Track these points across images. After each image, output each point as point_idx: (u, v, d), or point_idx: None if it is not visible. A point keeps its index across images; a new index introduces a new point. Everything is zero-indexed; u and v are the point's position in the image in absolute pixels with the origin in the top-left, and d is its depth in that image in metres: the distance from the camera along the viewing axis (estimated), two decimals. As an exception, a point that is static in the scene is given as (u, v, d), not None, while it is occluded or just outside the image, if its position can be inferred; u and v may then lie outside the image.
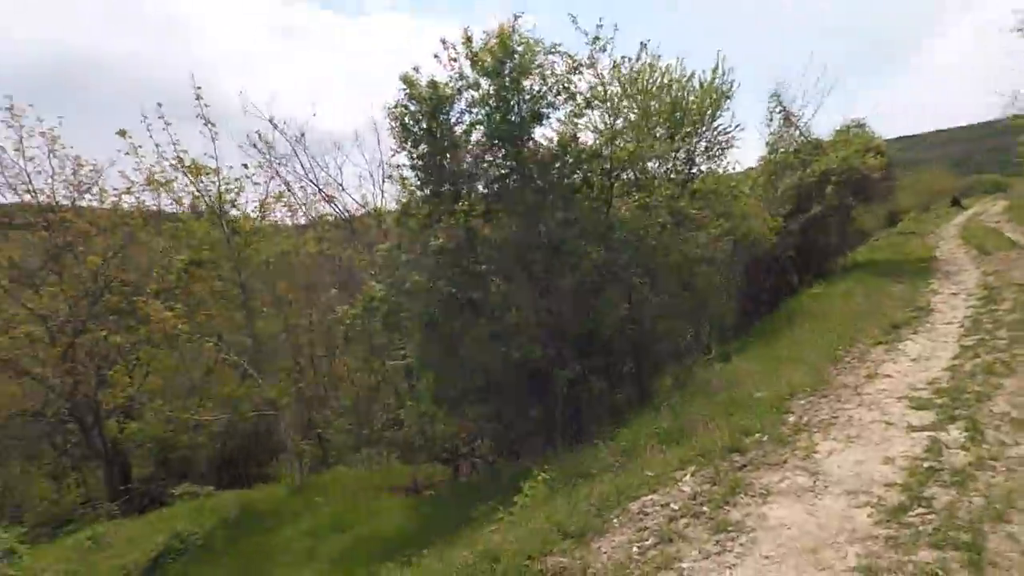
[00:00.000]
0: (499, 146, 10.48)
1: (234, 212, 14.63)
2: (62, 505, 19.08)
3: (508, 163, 10.55)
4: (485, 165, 10.67)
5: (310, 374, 15.43)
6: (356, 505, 13.47)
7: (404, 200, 11.51)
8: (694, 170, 16.35)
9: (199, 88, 13.56)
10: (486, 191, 10.98)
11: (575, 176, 10.99)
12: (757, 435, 5.53)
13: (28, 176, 15.10)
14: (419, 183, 11.03)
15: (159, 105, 13.42)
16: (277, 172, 16.10)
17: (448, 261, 10.16)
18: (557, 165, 10.61)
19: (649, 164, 15.19)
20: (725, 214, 16.01)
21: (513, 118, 10.21)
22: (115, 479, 17.26)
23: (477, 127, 10.42)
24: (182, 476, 20.18)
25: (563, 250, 10.00)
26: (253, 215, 14.86)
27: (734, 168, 17.15)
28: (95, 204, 16.66)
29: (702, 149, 16.21)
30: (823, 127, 20.81)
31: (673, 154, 15.00)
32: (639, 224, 11.00)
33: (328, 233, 16.58)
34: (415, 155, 10.81)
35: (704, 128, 15.79)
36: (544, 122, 10.70)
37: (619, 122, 11.93)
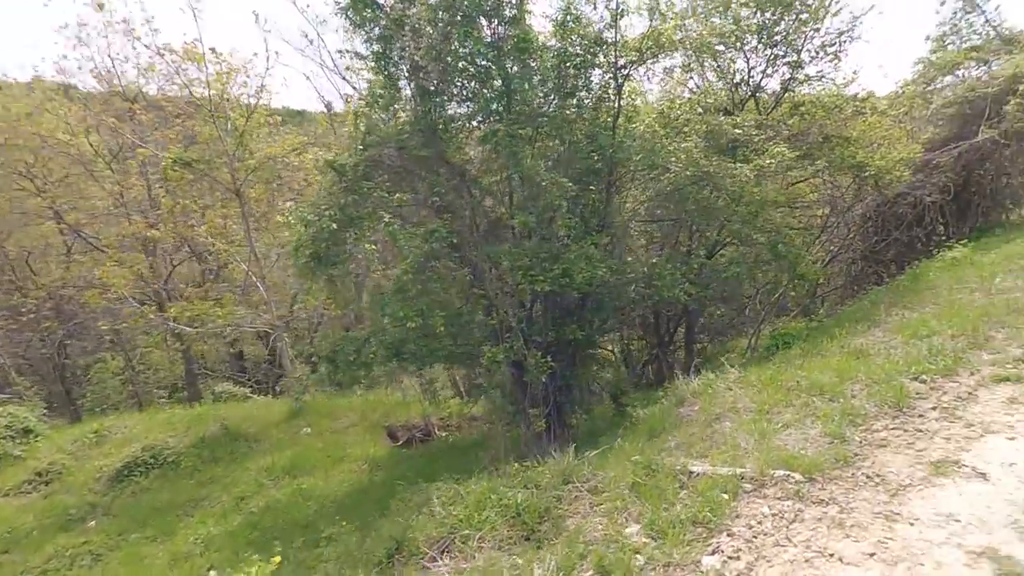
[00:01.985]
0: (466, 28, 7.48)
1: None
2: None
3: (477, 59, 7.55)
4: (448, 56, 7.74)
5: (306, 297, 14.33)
6: (338, 446, 12.53)
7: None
8: (799, 74, 11.83)
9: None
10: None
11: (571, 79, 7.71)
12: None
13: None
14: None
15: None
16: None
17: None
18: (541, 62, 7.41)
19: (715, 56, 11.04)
20: (839, 139, 11.61)
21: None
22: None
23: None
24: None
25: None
26: (251, 102, 13.16)
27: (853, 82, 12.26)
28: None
29: (815, 47, 11.50)
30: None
31: (755, 41, 10.65)
32: (661, 150, 7.62)
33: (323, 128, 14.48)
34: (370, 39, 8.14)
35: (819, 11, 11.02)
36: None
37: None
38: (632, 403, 7.94)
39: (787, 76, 11.88)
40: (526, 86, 7.55)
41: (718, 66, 11.56)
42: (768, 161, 7.95)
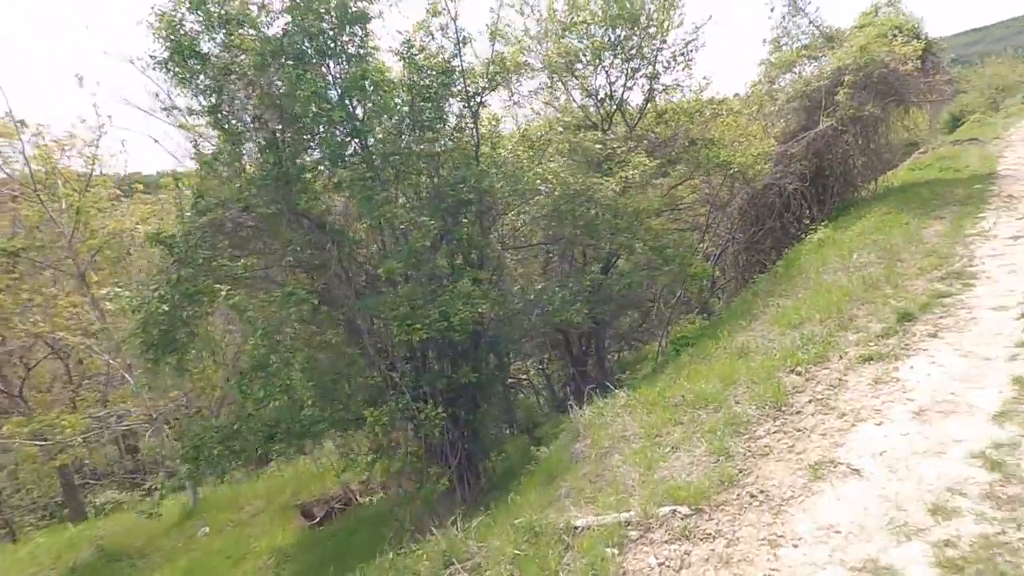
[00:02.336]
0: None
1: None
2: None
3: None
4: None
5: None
6: (241, 542, 11.17)
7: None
8: (657, 85, 12.31)
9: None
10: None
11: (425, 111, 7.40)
12: None
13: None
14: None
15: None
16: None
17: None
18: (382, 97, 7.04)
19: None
20: (704, 141, 12.15)
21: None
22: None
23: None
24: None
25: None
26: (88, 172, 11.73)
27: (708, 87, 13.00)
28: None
29: (666, 57, 12.04)
30: (846, 16, 15.79)
31: (612, 57, 10.99)
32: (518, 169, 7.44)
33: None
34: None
35: (665, 23, 11.56)
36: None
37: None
38: (546, 434, 7.57)
39: (648, 87, 12.34)
40: (376, 125, 7.15)
41: (581, 84, 11.79)
42: (631, 172, 8.02)
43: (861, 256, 8.11)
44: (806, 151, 13.27)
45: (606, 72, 11.83)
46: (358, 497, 12.89)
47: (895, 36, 11.43)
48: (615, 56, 11.35)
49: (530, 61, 10.26)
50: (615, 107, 12.03)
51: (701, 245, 16.96)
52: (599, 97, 12.10)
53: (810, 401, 4.47)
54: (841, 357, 5.15)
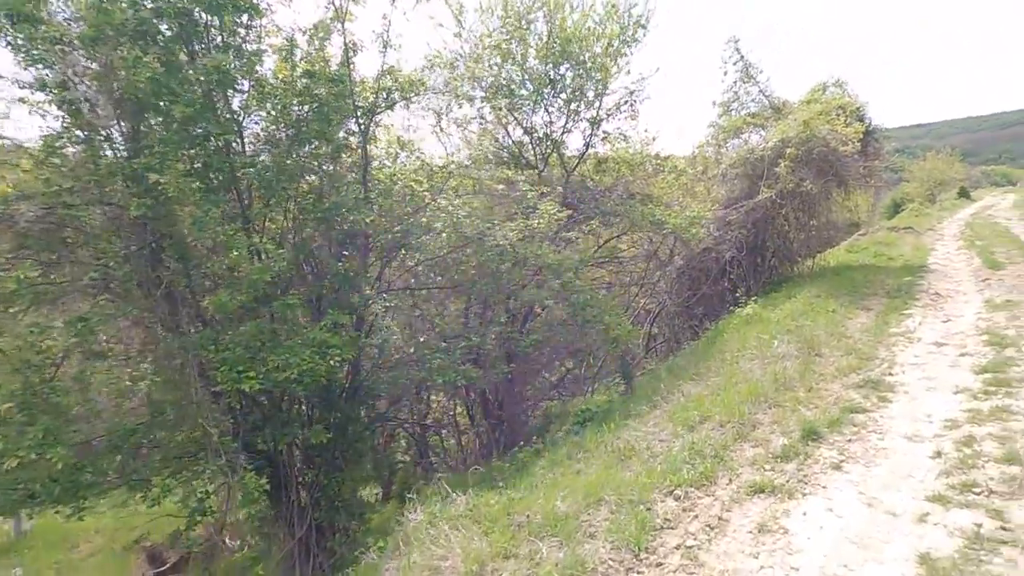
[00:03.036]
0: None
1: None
2: None
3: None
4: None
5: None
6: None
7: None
8: (598, 131, 11.66)
9: None
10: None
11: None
12: None
13: None
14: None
15: None
16: None
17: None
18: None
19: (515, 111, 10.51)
20: (643, 196, 11.51)
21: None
22: None
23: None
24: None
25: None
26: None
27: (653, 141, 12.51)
28: None
29: (609, 104, 11.43)
30: (795, 90, 15.72)
31: (551, 95, 10.26)
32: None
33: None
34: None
35: (612, 68, 10.96)
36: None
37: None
38: (386, 521, 6.36)
39: (589, 132, 11.69)
40: (241, 130, 6.00)
41: (515, 119, 10.99)
42: (537, 222, 7.12)
43: (781, 345, 7.39)
44: (745, 219, 12.83)
45: (546, 109, 11.11)
46: (227, 541, 11.20)
47: (838, 115, 11.18)
48: (555, 94, 10.64)
49: (457, 87, 9.36)
50: (552, 148, 11.28)
51: (640, 301, 16.34)
52: (536, 136, 11.34)
53: (677, 548, 3.48)
54: (731, 480, 4.23)
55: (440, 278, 7.96)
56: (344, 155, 6.51)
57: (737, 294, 13.22)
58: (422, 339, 7.37)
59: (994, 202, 34.57)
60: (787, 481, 4.07)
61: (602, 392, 13.57)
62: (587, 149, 11.65)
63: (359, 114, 6.46)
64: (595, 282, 14.23)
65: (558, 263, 7.94)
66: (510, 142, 11.23)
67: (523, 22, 10.17)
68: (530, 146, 11.37)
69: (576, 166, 11.54)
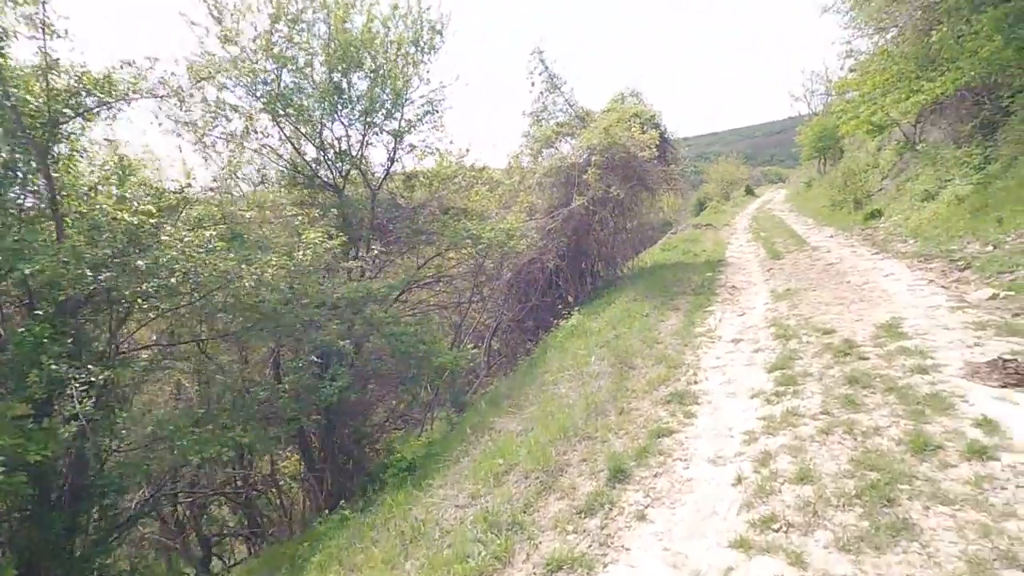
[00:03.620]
0: None
1: None
2: None
3: None
4: None
5: None
6: None
7: None
8: (403, 144, 10.71)
9: None
10: None
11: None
12: None
13: None
14: None
15: None
16: None
17: None
18: None
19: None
20: (458, 211, 10.77)
21: None
22: None
23: None
24: None
25: None
26: None
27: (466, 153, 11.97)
28: None
29: (411, 115, 10.56)
30: (599, 100, 16.37)
31: (342, 106, 9.12)
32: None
33: None
34: None
35: (410, 73, 10.09)
36: None
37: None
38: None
39: (392, 145, 10.72)
40: None
41: (303, 133, 9.63)
42: (302, 253, 5.95)
43: (596, 362, 7.05)
44: (564, 227, 12.83)
45: (340, 122, 9.92)
46: None
47: (635, 123, 11.60)
48: (347, 104, 9.50)
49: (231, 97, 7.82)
50: (351, 166, 10.11)
51: (477, 316, 15.67)
52: (332, 152, 10.08)
53: None
54: (528, 556, 3.48)
55: (204, 327, 6.37)
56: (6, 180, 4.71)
57: (564, 304, 13.19)
58: (161, 415, 5.74)
59: (772, 196, 40.62)
60: (589, 547, 3.42)
61: (443, 418, 12.65)
62: (392, 164, 10.68)
63: (37, 123, 4.72)
64: (421, 304, 13.29)
65: (354, 296, 6.80)
66: (300, 160, 9.81)
67: (298, 24, 8.89)
68: (325, 164, 10.07)
69: (381, 183, 10.49)
